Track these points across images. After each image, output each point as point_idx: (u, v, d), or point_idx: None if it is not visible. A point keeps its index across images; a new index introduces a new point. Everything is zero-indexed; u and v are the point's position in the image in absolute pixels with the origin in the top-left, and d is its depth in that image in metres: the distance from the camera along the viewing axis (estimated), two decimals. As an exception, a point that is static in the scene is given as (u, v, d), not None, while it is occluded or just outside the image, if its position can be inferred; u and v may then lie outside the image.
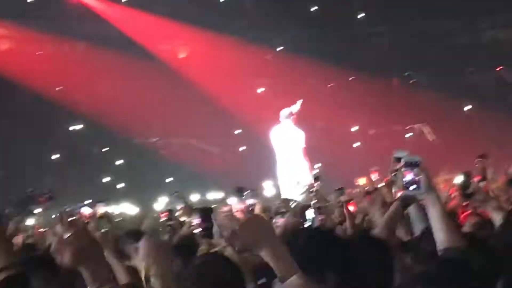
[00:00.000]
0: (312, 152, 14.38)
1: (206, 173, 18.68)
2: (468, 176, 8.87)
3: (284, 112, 13.96)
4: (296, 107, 14.04)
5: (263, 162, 15.78)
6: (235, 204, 8.89)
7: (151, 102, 19.62)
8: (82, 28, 19.75)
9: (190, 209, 8.27)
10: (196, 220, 6.64)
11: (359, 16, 21.81)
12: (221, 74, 20.15)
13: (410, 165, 4.27)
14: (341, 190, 9.01)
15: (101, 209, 8.54)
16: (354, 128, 21.10)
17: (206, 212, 6.51)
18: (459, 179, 8.91)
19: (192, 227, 6.88)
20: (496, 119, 19.46)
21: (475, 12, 20.74)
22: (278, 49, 21.51)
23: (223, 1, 20.78)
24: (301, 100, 14.13)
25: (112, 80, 19.99)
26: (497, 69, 21.24)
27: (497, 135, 18.82)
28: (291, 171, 13.60)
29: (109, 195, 13.67)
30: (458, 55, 20.99)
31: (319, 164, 14.88)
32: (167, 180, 18.89)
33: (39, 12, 19.24)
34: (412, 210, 5.70)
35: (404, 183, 4.28)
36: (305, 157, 13.90)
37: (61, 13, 19.38)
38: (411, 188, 4.27)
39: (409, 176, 4.27)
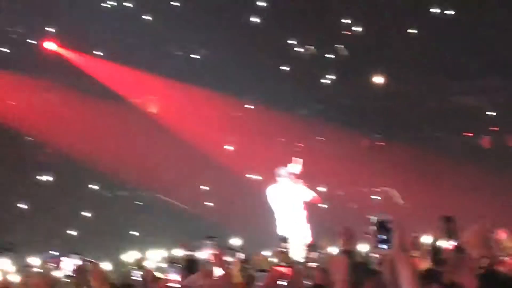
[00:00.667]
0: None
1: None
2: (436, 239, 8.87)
3: (282, 171, 13.82)
4: (298, 167, 13.96)
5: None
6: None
7: (122, 152, 19.60)
8: (58, 76, 19.80)
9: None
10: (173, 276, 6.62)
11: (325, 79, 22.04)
12: (194, 128, 20.23)
13: (382, 224, 4.35)
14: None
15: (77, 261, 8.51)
16: (322, 189, 21.14)
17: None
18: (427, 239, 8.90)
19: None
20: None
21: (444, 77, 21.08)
22: (251, 105, 21.64)
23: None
24: (302, 160, 14.07)
25: (83, 131, 19.96)
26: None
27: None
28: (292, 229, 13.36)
29: (76, 247, 13.57)
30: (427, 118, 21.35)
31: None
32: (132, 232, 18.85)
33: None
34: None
35: (377, 240, 4.33)
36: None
37: (36, 60, 19.45)
38: (383, 246, 4.32)
39: (381, 235, 4.33)
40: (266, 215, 15.74)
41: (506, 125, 21.07)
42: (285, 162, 13.92)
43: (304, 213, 13.77)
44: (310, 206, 13.98)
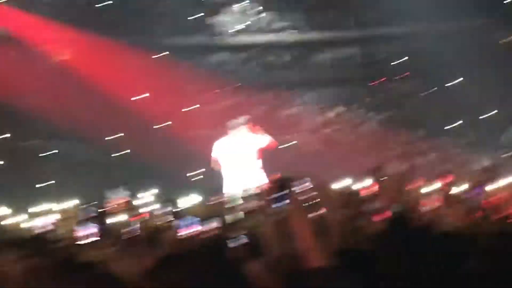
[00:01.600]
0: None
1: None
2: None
3: (234, 122, 13.53)
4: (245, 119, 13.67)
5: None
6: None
7: (34, 102, 19.24)
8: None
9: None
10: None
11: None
12: (106, 76, 19.95)
13: (281, 183, 4.24)
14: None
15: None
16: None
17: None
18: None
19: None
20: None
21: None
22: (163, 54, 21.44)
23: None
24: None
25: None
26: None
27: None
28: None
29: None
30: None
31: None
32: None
33: None
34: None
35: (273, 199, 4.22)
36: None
37: None
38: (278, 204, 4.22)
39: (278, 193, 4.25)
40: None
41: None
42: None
43: (259, 162, 13.49)
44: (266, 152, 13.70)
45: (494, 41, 21.41)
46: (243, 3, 21.68)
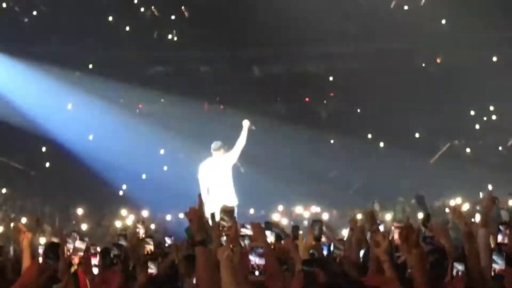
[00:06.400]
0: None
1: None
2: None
3: (213, 144, 13.54)
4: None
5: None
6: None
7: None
8: None
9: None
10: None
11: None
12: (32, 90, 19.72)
13: None
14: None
15: None
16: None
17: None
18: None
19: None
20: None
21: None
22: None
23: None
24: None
25: None
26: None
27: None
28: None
29: None
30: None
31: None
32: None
33: None
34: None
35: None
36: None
37: None
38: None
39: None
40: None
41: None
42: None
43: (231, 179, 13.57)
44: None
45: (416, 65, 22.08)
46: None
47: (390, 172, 19.48)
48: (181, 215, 13.29)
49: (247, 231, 6.94)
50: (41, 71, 19.88)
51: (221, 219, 5.51)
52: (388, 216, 11.01)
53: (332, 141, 21.70)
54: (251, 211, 16.62)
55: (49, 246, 6.22)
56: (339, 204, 17.40)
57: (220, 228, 5.50)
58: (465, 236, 5.76)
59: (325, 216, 13.34)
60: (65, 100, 20.73)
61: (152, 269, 6.25)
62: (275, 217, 12.39)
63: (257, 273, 3.97)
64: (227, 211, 5.47)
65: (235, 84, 21.26)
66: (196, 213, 4.63)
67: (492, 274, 5.55)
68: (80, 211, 13.84)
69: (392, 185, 18.17)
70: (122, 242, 7.65)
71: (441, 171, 20.13)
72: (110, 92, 20.09)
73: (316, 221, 7.30)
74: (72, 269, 6.19)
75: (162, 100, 21.82)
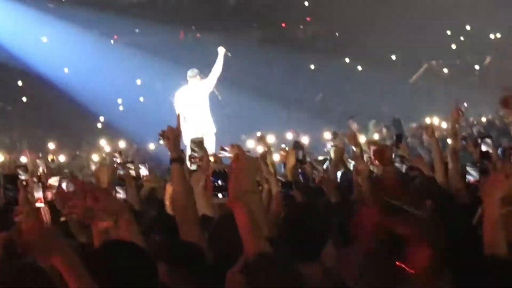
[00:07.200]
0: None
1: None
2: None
3: (190, 72, 13.36)
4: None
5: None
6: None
7: None
8: None
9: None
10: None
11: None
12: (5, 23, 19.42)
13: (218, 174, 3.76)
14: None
15: None
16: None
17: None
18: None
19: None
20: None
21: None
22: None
23: None
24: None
25: None
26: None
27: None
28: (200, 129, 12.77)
29: None
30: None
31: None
32: None
33: None
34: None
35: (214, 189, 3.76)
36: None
37: None
38: (220, 195, 3.74)
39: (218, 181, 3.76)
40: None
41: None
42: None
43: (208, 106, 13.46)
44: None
45: None
46: None
47: (369, 97, 19.52)
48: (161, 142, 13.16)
49: (226, 153, 6.97)
50: (15, 3, 19.51)
51: (192, 150, 5.49)
52: (363, 138, 11.06)
53: (312, 67, 21.62)
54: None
55: (5, 177, 6.04)
56: (317, 130, 17.42)
57: (192, 160, 5.47)
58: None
59: (305, 140, 13.29)
60: (40, 33, 20.43)
61: (120, 194, 6.26)
62: (250, 144, 12.28)
63: (220, 195, 3.75)
64: (197, 142, 5.45)
65: (211, 11, 21.05)
66: (174, 132, 4.60)
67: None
68: (51, 145, 13.59)
69: (371, 109, 18.19)
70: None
71: (420, 93, 20.16)
72: (85, 23, 19.81)
73: (297, 143, 7.33)
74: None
75: (136, 30, 21.56)
